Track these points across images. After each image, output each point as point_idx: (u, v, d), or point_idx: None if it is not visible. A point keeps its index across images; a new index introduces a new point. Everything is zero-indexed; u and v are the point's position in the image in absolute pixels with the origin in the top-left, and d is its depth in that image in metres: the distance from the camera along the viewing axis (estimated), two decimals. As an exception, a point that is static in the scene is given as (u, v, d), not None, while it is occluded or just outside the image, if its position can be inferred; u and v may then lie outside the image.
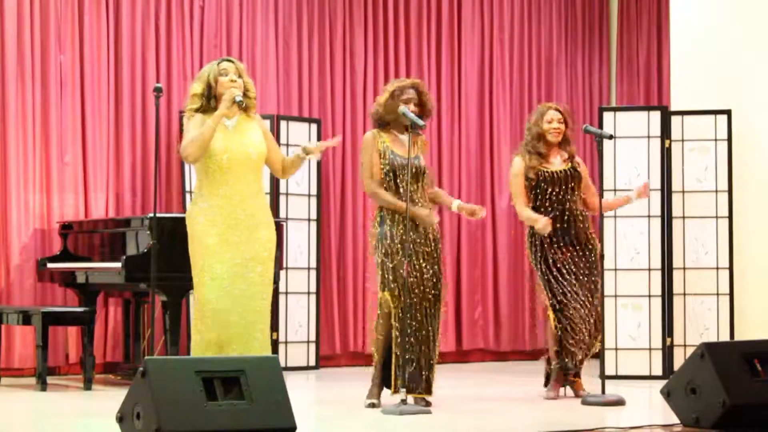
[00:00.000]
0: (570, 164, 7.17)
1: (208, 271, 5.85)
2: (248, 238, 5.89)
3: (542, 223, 6.95)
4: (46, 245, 8.53)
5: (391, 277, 6.44)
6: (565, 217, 7.10)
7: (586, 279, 7.10)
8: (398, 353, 6.41)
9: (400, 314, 6.40)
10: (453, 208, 6.75)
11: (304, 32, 9.74)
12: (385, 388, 6.59)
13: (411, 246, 6.45)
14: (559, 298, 7.04)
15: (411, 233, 6.47)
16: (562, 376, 7.14)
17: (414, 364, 6.44)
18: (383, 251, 6.49)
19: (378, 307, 6.55)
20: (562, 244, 7.07)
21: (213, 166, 5.90)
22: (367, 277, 9.50)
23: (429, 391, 6.55)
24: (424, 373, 6.49)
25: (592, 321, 7.09)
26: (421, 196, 6.58)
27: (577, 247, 7.10)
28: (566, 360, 7.07)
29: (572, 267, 7.07)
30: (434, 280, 6.54)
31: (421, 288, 6.48)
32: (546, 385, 7.22)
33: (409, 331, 6.42)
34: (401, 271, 6.41)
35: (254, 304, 5.86)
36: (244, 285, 5.84)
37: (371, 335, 6.66)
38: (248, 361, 4.97)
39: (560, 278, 7.05)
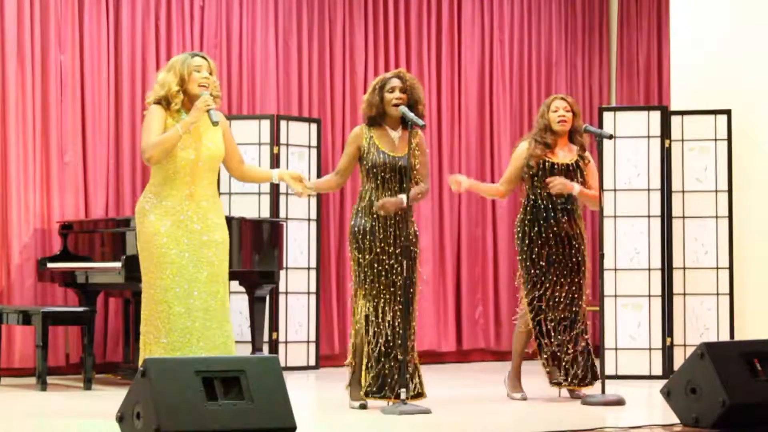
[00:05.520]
0: (575, 158, 7.12)
1: (160, 272, 5.80)
2: (199, 240, 5.84)
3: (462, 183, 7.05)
4: (46, 245, 8.53)
5: (363, 275, 6.42)
6: (558, 212, 7.05)
7: (569, 279, 7.04)
8: (366, 355, 6.38)
9: (371, 315, 6.38)
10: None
11: (304, 32, 9.74)
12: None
13: (385, 242, 6.44)
14: (538, 294, 7.00)
15: (385, 231, 6.45)
16: (519, 374, 7.13)
17: (385, 368, 6.41)
18: (356, 246, 6.46)
19: (354, 304, 6.50)
20: (550, 239, 7.01)
21: (168, 166, 5.85)
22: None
23: (404, 391, 6.35)
24: (396, 377, 6.38)
25: (568, 323, 7.01)
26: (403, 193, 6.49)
27: (566, 244, 7.05)
28: (548, 362, 7.02)
29: (557, 264, 7.03)
30: (407, 282, 6.43)
31: (391, 290, 6.44)
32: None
33: (381, 332, 6.38)
34: (375, 267, 6.40)
35: (205, 304, 5.80)
36: (194, 287, 5.78)
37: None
38: (248, 361, 4.97)
39: (542, 275, 7.00)
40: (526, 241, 7.05)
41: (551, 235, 7.03)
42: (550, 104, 7.15)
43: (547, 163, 7.04)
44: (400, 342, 6.38)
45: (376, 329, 6.39)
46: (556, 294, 7.02)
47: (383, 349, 6.39)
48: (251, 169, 6.20)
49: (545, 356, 7.02)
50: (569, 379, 7.00)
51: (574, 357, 7.02)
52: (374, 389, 6.40)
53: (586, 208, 7.38)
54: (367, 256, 6.42)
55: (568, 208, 7.06)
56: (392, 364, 6.38)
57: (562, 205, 7.05)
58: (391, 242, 6.45)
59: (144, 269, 5.90)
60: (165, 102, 5.89)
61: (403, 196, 6.42)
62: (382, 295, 6.41)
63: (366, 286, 6.41)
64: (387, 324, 6.40)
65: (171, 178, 5.85)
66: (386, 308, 6.41)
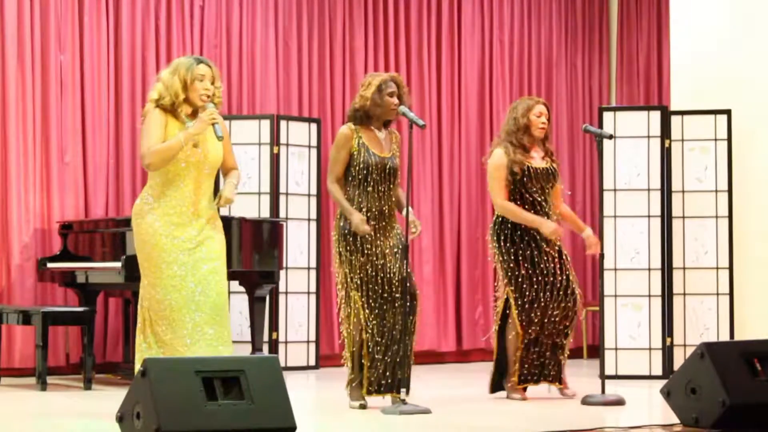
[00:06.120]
0: (550, 162, 7.11)
1: (160, 272, 5.78)
2: (197, 239, 5.82)
3: (551, 229, 6.86)
4: (46, 245, 8.53)
5: (357, 277, 6.39)
6: (542, 216, 7.04)
7: (553, 279, 7.00)
8: (369, 356, 6.37)
9: (370, 316, 6.38)
10: (402, 214, 6.55)
11: (304, 32, 9.75)
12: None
13: (375, 243, 6.42)
14: (524, 298, 6.96)
15: (375, 231, 6.41)
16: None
17: (387, 366, 6.39)
18: (348, 248, 6.42)
19: (347, 307, 6.46)
20: (535, 243, 6.97)
21: (170, 169, 5.82)
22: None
23: (404, 390, 6.38)
24: (398, 373, 6.39)
25: (558, 319, 6.99)
26: (390, 195, 6.49)
27: (547, 247, 7.02)
28: (531, 362, 7.00)
29: (542, 266, 6.98)
30: (400, 277, 6.42)
31: (388, 287, 6.43)
32: (492, 391, 7.10)
33: (381, 332, 6.38)
34: (368, 268, 6.40)
35: (208, 302, 5.78)
36: (197, 286, 5.77)
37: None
38: (248, 361, 4.98)
39: (527, 277, 6.96)
40: (508, 244, 6.95)
41: (531, 237, 6.98)
42: (532, 107, 7.09)
43: (531, 169, 7.00)
44: (399, 338, 6.38)
45: (375, 329, 6.39)
46: (542, 294, 6.97)
47: (384, 347, 6.38)
48: (231, 174, 6.12)
49: (521, 355, 6.97)
50: (544, 375, 7.00)
51: (554, 354, 7.01)
52: (377, 387, 6.40)
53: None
54: (360, 257, 6.41)
55: (546, 211, 7.03)
56: (392, 361, 6.39)
57: (540, 209, 7.00)
58: (380, 242, 6.45)
59: (143, 269, 5.91)
60: (170, 107, 5.87)
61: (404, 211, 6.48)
62: (377, 295, 6.40)
63: (362, 288, 6.40)
64: (385, 323, 6.40)
65: (171, 181, 5.85)
66: (384, 307, 6.41)
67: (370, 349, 6.38)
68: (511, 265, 6.97)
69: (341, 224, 6.48)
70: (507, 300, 7.02)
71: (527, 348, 6.97)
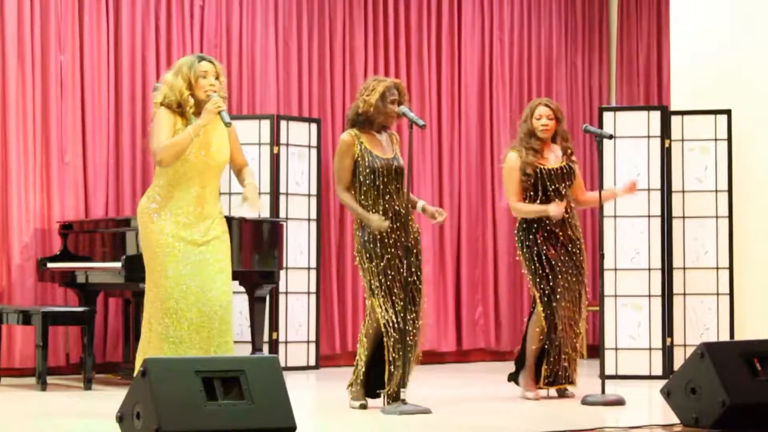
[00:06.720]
0: (565, 161, 7.14)
1: (165, 270, 5.77)
2: (203, 239, 5.82)
3: (555, 209, 6.91)
4: (46, 245, 8.53)
5: (379, 283, 6.39)
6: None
7: (573, 279, 7.06)
8: (394, 358, 6.37)
9: (393, 318, 6.37)
10: (418, 208, 6.59)
11: (304, 32, 9.75)
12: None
13: (395, 245, 6.42)
14: (548, 295, 7.00)
15: (393, 235, 6.42)
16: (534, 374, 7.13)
17: (403, 366, 6.40)
18: (368, 256, 6.41)
19: (369, 311, 6.47)
20: (554, 242, 7.04)
21: (177, 168, 5.83)
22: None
23: (404, 390, 6.40)
24: (410, 372, 6.42)
25: (573, 323, 7.05)
26: (401, 194, 6.51)
27: (568, 246, 7.07)
28: (552, 359, 7.04)
29: (562, 266, 7.04)
30: (414, 278, 6.45)
31: (403, 288, 6.43)
32: (516, 382, 7.19)
33: (398, 335, 6.38)
34: (389, 272, 6.38)
35: (214, 300, 5.80)
36: (203, 284, 5.79)
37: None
38: (248, 361, 4.98)
39: (551, 275, 7.01)
40: (535, 247, 7.03)
41: (552, 240, 7.04)
42: (534, 109, 7.15)
43: (544, 170, 7.04)
44: (408, 340, 6.40)
45: (398, 334, 6.37)
46: (564, 293, 7.03)
47: (407, 349, 6.37)
48: (244, 173, 6.13)
49: (550, 354, 7.03)
50: (555, 377, 7.04)
51: (569, 355, 7.04)
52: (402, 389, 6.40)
53: (584, 211, 7.38)
54: (381, 263, 6.40)
55: (565, 216, 7.07)
56: (409, 362, 6.40)
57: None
58: (400, 243, 6.45)
59: (149, 269, 5.89)
60: (177, 106, 5.87)
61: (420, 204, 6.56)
62: (398, 298, 6.40)
63: (383, 293, 6.39)
64: (406, 325, 6.38)
65: (179, 180, 5.85)
66: (405, 309, 6.40)
67: (391, 352, 6.36)
68: (536, 265, 7.04)
69: (359, 234, 6.47)
70: (533, 297, 7.13)
71: (552, 350, 7.01)
